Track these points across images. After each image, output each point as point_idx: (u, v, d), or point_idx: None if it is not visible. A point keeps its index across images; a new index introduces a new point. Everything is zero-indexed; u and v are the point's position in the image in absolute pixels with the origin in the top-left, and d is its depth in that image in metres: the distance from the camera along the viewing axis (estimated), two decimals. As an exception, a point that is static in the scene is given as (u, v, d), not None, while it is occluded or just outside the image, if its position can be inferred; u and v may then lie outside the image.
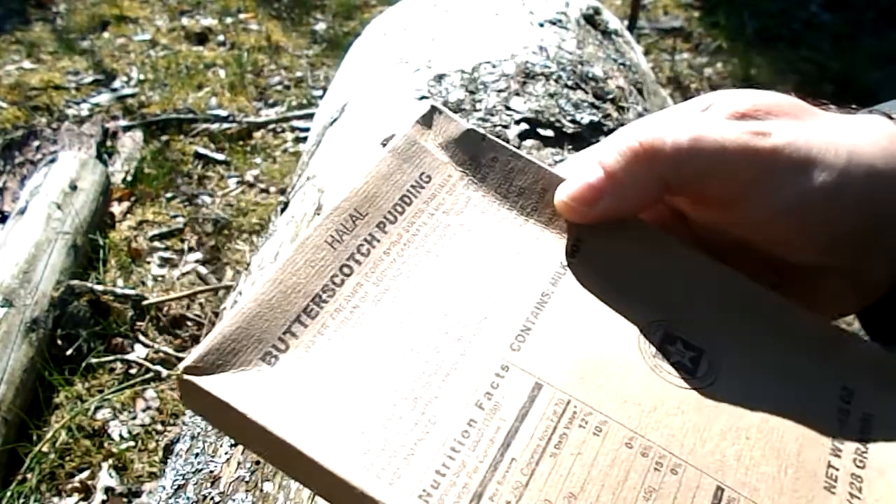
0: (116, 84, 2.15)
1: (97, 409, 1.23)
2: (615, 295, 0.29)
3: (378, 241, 0.29)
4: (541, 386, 0.26)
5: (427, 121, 0.33)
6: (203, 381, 0.24)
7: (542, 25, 0.84)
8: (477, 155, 0.32)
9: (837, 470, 0.26)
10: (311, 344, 0.26)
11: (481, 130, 0.33)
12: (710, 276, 0.31)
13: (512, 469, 0.24)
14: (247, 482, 0.41)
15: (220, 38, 2.42)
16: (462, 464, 0.23)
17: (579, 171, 0.30)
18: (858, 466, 0.26)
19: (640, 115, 0.77)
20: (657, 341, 0.28)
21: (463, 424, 0.24)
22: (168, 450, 1.16)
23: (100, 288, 1.39)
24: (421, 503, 0.22)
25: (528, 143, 0.64)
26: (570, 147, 0.65)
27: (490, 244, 0.30)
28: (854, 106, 0.35)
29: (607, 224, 0.30)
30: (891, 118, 0.32)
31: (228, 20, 2.52)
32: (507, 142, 0.64)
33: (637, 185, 0.29)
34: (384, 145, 0.65)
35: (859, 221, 0.30)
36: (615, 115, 0.71)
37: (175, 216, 1.67)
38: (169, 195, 1.73)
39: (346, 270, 0.27)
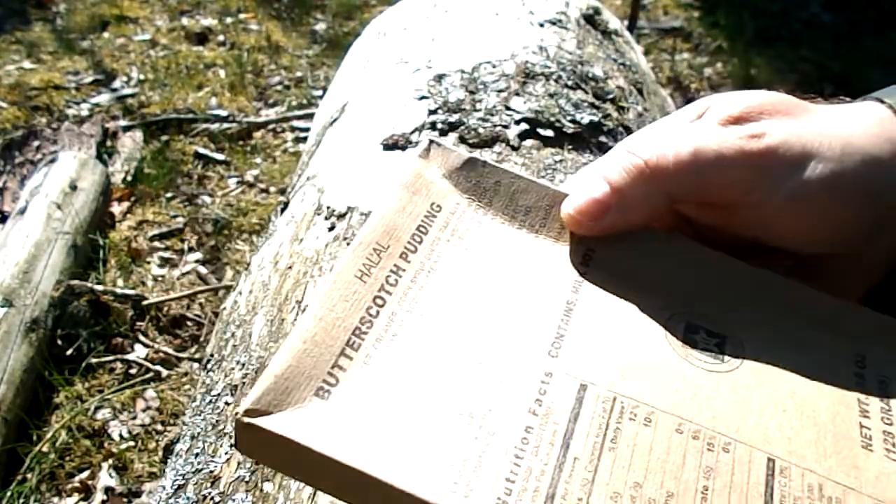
0: (116, 84, 2.15)
1: (97, 409, 1.23)
2: (633, 295, 0.31)
3: (403, 270, 0.30)
4: (585, 387, 0.27)
5: (428, 154, 0.35)
6: (264, 422, 0.25)
7: (542, 25, 0.84)
8: (480, 181, 0.34)
9: (870, 429, 0.28)
10: (359, 375, 0.27)
11: (480, 157, 0.35)
12: (718, 267, 0.32)
13: (577, 467, 0.25)
14: (247, 482, 0.41)
15: (220, 38, 2.42)
16: (528, 469, 0.25)
17: (585, 186, 0.32)
18: (887, 424, 0.28)
19: (639, 115, 0.77)
20: (681, 333, 0.30)
21: (521, 432, 0.26)
22: (168, 450, 1.16)
23: (100, 288, 1.39)
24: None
25: (528, 143, 0.64)
26: (569, 147, 0.65)
27: (508, 261, 0.32)
28: (844, 97, 0.35)
29: (615, 238, 0.32)
30: (882, 102, 0.32)
31: (228, 20, 2.52)
32: (507, 142, 0.64)
33: (643, 201, 0.31)
34: (384, 146, 0.65)
35: (859, 208, 0.30)
36: (615, 115, 0.71)
37: (175, 216, 1.67)
38: (169, 195, 1.73)
39: (378, 301, 0.29)
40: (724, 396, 0.28)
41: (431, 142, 0.35)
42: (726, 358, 0.30)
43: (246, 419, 0.25)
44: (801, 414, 0.28)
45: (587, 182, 0.32)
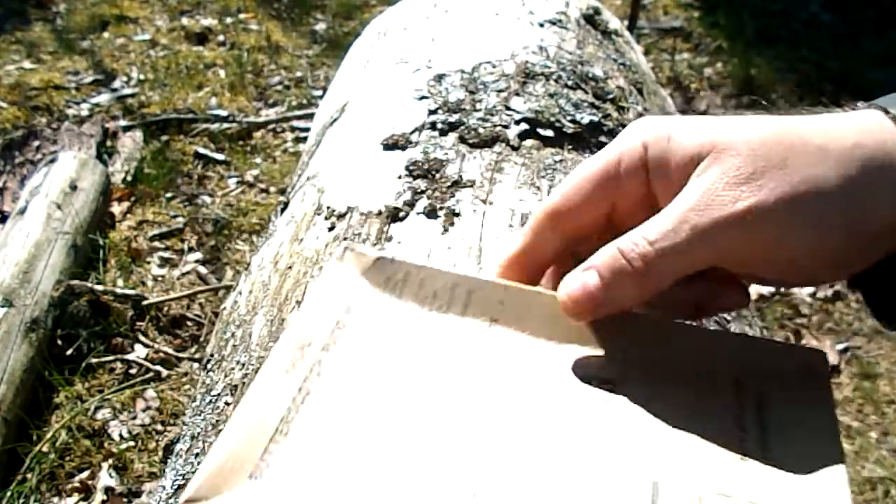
0: (116, 84, 2.15)
1: (97, 409, 1.23)
2: (532, 355, 0.35)
3: (325, 362, 0.34)
4: (500, 435, 0.31)
5: (343, 259, 0.39)
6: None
7: (542, 25, 0.84)
8: (391, 276, 0.38)
9: (747, 442, 0.31)
10: (287, 458, 0.30)
11: (389, 255, 0.39)
12: (613, 322, 0.36)
13: None
14: (247, 482, 0.42)
15: (220, 38, 2.42)
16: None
17: (578, 279, 0.33)
18: (761, 435, 0.32)
19: (639, 115, 0.77)
20: (578, 377, 0.34)
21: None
22: (168, 450, 1.16)
23: (100, 288, 1.39)
24: None
25: (528, 143, 0.64)
26: (570, 147, 0.65)
27: (420, 345, 0.35)
28: (853, 102, 0.35)
29: (517, 306, 0.36)
30: (887, 112, 0.32)
31: (228, 20, 2.52)
32: (507, 142, 0.64)
33: (643, 292, 0.32)
34: (384, 146, 0.65)
35: (846, 238, 0.31)
36: (615, 115, 0.71)
37: (175, 216, 1.67)
38: (169, 195, 1.73)
39: (303, 391, 0.32)
40: (617, 430, 0.32)
41: (346, 248, 0.39)
42: (618, 398, 0.33)
43: None
44: (686, 436, 0.31)
45: (579, 276, 0.33)
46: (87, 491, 1.12)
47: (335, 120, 0.78)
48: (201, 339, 1.37)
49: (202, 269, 1.54)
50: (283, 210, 0.69)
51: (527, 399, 0.33)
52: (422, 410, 0.32)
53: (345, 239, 0.56)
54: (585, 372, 0.34)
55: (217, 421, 0.48)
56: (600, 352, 0.35)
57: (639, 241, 0.31)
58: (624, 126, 0.71)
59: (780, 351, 0.36)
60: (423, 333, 0.36)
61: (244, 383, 0.49)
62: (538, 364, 0.35)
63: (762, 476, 0.30)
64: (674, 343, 0.35)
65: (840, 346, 1.52)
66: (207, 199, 1.74)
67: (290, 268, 0.57)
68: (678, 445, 0.31)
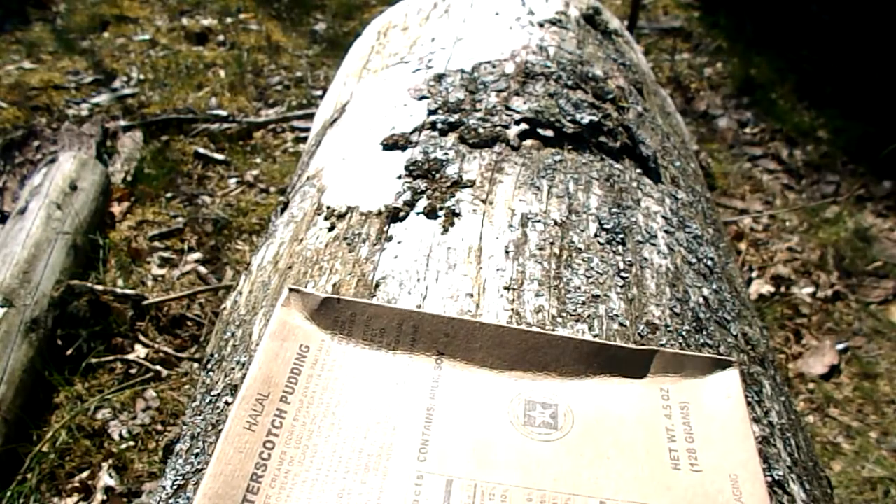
0: (116, 84, 2.15)
1: (97, 409, 1.23)
2: (478, 389, 0.37)
3: (286, 412, 0.35)
4: (451, 481, 0.33)
5: (289, 302, 0.40)
6: None
7: (542, 25, 0.84)
8: (338, 316, 0.40)
9: (677, 451, 0.34)
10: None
11: (334, 296, 0.40)
12: (547, 345, 0.39)
13: None
14: (247, 482, 0.41)
15: (220, 38, 2.42)
16: None
17: None
18: (689, 442, 0.34)
19: (639, 114, 0.77)
20: (521, 414, 0.36)
21: (412, 491, 0.31)
22: (168, 450, 1.16)
23: (100, 288, 1.39)
24: None
25: (528, 142, 0.64)
26: (569, 147, 0.65)
27: (373, 382, 0.37)
28: None
29: (463, 338, 0.38)
30: None
31: (228, 20, 2.52)
32: (507, 142, 0.64)
33: None
34: (384, 146, 0.65)
35: None
36: (615, 115, 0.71)
37: (175, 216, 1.67)
38: (169, 195, 1.73)
39: (269, 445, 0.34)
40: (561, 460, 0.34)
41: (291, 289, 0.41)
42: (560, 424, 0.36)
43: None
44: (622, 455, 0.34)
45: None
46: (87, 491, 1.11)
47: (335, 120, 0.78)
48: (201, 339, 1.37)
49: (202, 269, 1.54)
50: (283, 210, 0.69)
51: (471, 437, 0.35)
52: (376, 453, 0.34)
53: (344, 239, 0.56)
54: (529, 398, 0.37)
55: (217, 421, 0.48)
56: (541, 377, 0.38)
57: None
58: (624, 126, 0.71)
59: (698, 361, 0.39)
60: (373, 375, 0.37)
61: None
62: (482, 404, 0.37)
63: (692, 484, 0.32)
64: (612, 362, 0.39)
65: (840, 346, 1.52)
66: (207, 199, 1.74)
67: (290, 268, 0.57)
68: (618, 463, 0.34)
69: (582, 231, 0.56)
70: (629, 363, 0.39)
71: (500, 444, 0.35)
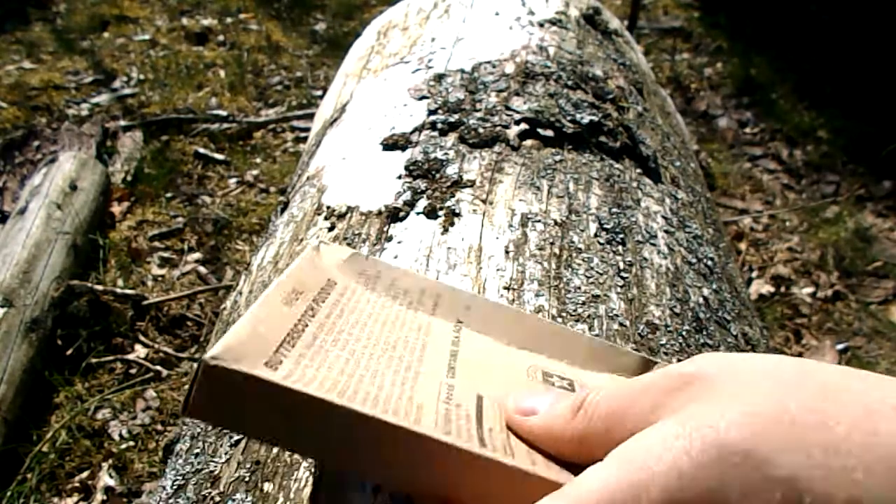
0: (116, 84, 2.15)
1: (97, 409, 1.23)
2: (498, 353, 0.39)
3: (317, 311, 0.36)
4: (481, 398, 0.34)
5: (318, 252, 0.41)
6: (233, 364, 0.27)
7: (542, 25, 0.84)
8: (365, 270, 0.41)
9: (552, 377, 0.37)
10: (297, 360, 0.31)
11: (363, 252, 0.41)
12: (555, 334, 0.41)
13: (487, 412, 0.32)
14: (247, 482, 0.41)
15: (220, 38, 2.42)
16: (458, 406, 0.31)
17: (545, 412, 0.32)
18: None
19: (639, 114, 0.77)
20: (540, 377, 0.37)
21: (444, 391, 0.32)
22: (168, 450, 1.16)
23: (100, 288, 1.39)
24: (441, 433, 0.29)
25: (528, 142, 0.64)
26: (569, 147, 0.65)
27: (398, 323, 0.38)
28: None
29: (483, 313, 0.41)
30: None
31: (228, 20, 2.52)
32: (507, 142, 0.64)
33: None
34: (384, 146, 0.65)
35: None
36: (615, 115, 0.71)
37: (175, 216, 1.67)
38: (169, 195, 1.73)
39: (303, 323, 0.34)
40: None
41: (320, 242, 0.42)
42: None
43: (213, 361, 0.27)
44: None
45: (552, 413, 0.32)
46: (87, 491, 1.11)
47: (335, 120, 0.78)
48: (201, 339, 1.37)
49: (202, 269, 1.54)
50: (283, 210, 0.69)
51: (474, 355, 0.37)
52: (406, 362, 0.35)
53: (344, 239, 0.56)
54: (546, 371, 0.38)
55: (217, 421, 0.48)
56: (556, 360, 0.39)
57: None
58: (624, 126, 0.71)
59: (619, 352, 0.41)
60: (398, 320, 0.38)
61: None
62: (502, 362, 0.38)
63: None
64: (598, 355, 0.41)
65: (840, 346, 1.52)
66: (207, 199, 1.74)
67: (290, 268, 0.57)
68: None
69: (582, 231, 0.56)
70: (634, 370, 0.40)
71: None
